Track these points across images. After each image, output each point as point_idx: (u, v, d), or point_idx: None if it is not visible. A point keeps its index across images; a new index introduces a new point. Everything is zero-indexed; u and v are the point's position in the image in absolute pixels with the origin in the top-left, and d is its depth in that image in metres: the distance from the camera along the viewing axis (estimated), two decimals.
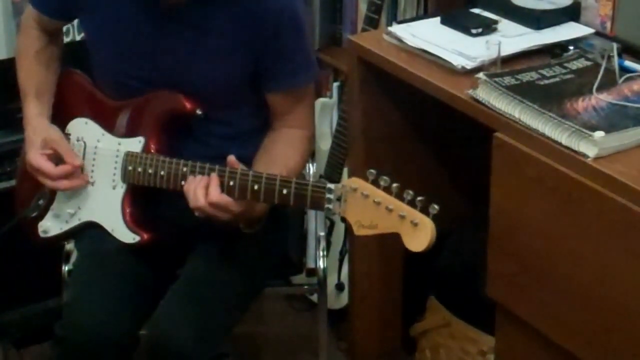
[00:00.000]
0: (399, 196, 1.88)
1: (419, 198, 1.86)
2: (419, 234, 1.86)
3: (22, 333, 2.90)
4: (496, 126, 2.10)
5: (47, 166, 2.20)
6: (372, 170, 1.91)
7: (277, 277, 2.51)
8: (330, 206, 1.96)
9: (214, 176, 2.04)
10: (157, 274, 2.26)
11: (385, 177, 1.89)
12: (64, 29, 2.45)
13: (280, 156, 2.19)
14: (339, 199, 1.95)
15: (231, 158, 2.06)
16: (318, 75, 2.36)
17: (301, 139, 2.26)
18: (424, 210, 1.86)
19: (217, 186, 2.03)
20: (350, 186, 1.93)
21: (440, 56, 2.29)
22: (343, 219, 1.98)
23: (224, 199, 2.02)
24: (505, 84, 2.11)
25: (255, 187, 2.02)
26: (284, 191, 1.99)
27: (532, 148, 2.03)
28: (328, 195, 1.96)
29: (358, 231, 1.93)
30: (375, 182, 1.91)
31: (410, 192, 1.87)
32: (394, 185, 1.89)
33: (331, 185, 1.96)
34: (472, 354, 2.53)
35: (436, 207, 1.85)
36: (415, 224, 1.86)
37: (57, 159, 2.21)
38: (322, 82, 3.13)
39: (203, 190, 2.03)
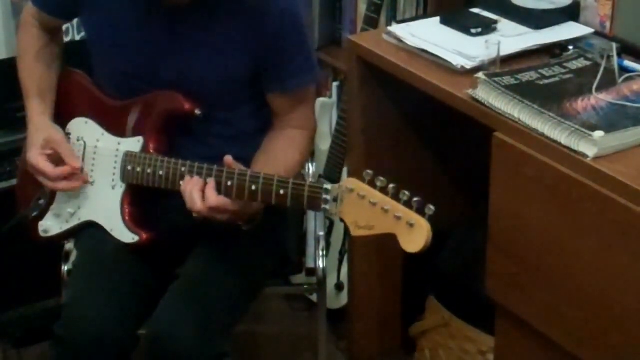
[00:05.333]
0: (395, 197, 1.88)
1: (415, 199, 1.86)
2: (415, 235, 1.86)
3: (22, 333, 2.90)
4: (496, 126, 2.11)
5: (46, 167, 2.20)
6: (369, 171, 1.91)
7: (277, 277, 2.51)
8: (327, 207, 1.96)
9: (210, 180, 2.04)
10: (156, 274, 2.26)
11: (381, 178, 1.89)
12: (64, 28, 2.45)
13: (279, 155, 2.19)
14: (335, 200, 1.95)
15: (228, 158, 2.06)
16: (319, 77, 2.36)
17: (301, 139, 2.26)
18: (420, 211, 1.86)
19: (213, 189, 2.03)
20: (346, 187, 1.93)
21: (440, 56, 2.30)
22: (341, 220, 1.98)
23: (222, 201, 2.02)
24: (505, 84, 2.11)
25: (253, 187, 2.02)
26: (281, 191, 2.00)
27: (531, 148, 2.03)
28: (325, 196, 1.96)
29: (355, 232, 1.93)
30: (371, 183, 1.90)
31: (407, 192, 1.87)
32: (391, 186, 1.88)
33: (328, 186, 1.96)
34: (472, 354, 2.53)
35: (432, 208, 1.85)
36: (411, 225, 1.86)
37: (58, 160, 2.21)
38: (321, 82, 3.13)
39: (199, 194, 2.03)
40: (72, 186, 2.22)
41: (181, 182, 2.09)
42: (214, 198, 2.02)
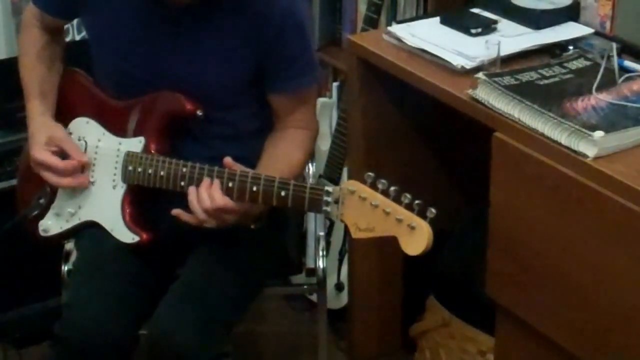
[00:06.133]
0: (397, 199, 1.88)
1: (417, 202, 1.86)
2: (416, 238, 1.86)
3: (22, 333, 2.90)
4: (496, 126, 2.11)
5: (53, 160, 2.19)
6: (370, 173, 1.91)
7: (277, 277, 2.51)
8: (328, 209, 1.96)
9: (216, 182, 2.04)
10: (157, 274, 2.26)
11: (383, 180, 1.89)
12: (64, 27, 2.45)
13: (283, 155, 2.20)
14: (336, 202, 1.95)
15: (227, 160, 2.06)
16: (320, 77, 2.36)
17: (304, 138, 2.26)
18: (422, 214, 1.86)
19: (219, 190, 2.03)
20: (347, 189, 1.93)
21: (440, 56, 2.30)
22: (342, 221, 1.98)
23: (228, 202, 2.03)
24: (505, 84, 2.11)
25: (254, 188, 2.02)
26: (282, 193, 2.00)
27: (531, 148, 2.03)
28: (326, 198, 1.96)
29: (355, 234, 1.93)
30: (373, 185, 1.90)
31: (408, 195, 1.87)
32: (392, 188, 1.88)
33: (329, 188, 1.96)
34: (472, 354, 2.53)
35: (433, 210, 1.85)
36: (412, 228, 1.86)
37: (62, 157, 2.21)
38: (321, 82, 3.12)
39: (208, 192, 2.03)
40: (77, 182, 2.22)
41: (182, 183, 2.09)
42: (220, 198, 2.02)
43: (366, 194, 1.91)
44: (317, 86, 2.33)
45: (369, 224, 1.90)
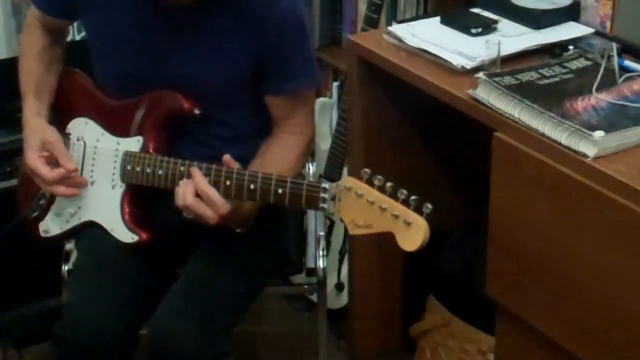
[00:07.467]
0: (393, 195, 1.87)
1: (413, 197, 1.86)
2: (412, 234, 1.86)
3: (22, 333, 2.90)
4: (496, 126, 2.11)
5: (43, 170, 2.18)
6: (367, 170, 1.91)
7: (277, 277, 2.51)
8: (325, 205, 1.96)
9: (195, 169, 2.03)
10: (157, 274, 2.26)
11: (379, 177, 1.89)
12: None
13: (275, 159, 2.19)
14: (333, 199, 1.95)
15: (226, 157, 2.06)
16: (319, 80, 2.35)
17: (299, 144, 2.25)
18: (418, 210, 1.86)
19: (201, 175, 2.02)
20: (344, 185, 1.93)
21: (440, 56, 2.30)
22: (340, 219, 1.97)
23: (212, 190, 2.02)
24: (505, 84, 2.11)
25: (252, 186, 2.02)
26: (280, 190, 2.00)
27: (531, 148, 2.03)
28: (323, 195, 1.96)
29: (353, 231, 1.93)
30: (369, 182, 1.90)
31: (404, 191, 1.86)
32: (388, 184, 1.88)
33: (326, 185, 1.96)
34: (472, 354, 2.53)
35: (429, 206, 1.85)
36: (409, 224, 1.85)
37: (54, 162, 2.21)
38: (321, 82, 3.12)
39: (191, 186, 2.03)
40: (70, 192, 2.21)
41: (180, 182, 2.09)
42: (204, 183, 2.01)
43: (362, 190, 1.91)
44: (315, 89, 2.32)
45: (365, 221, 1.90)
